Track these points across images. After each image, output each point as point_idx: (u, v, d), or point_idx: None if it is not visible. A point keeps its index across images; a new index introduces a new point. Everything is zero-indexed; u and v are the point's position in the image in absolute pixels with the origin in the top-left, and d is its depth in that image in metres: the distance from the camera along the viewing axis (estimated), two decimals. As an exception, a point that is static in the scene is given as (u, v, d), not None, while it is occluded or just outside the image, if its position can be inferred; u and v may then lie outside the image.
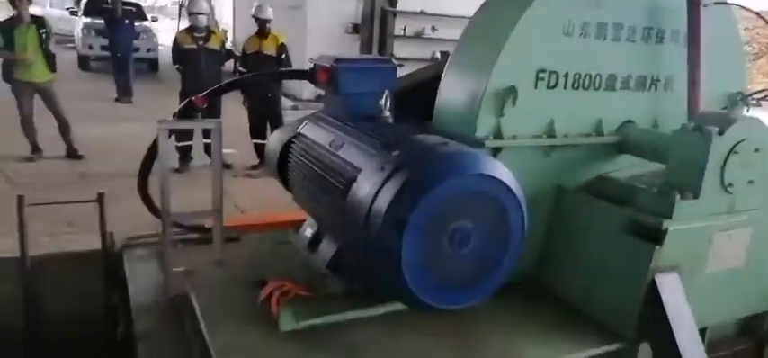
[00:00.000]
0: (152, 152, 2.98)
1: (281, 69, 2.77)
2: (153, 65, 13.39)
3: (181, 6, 19.90)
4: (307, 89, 10.46)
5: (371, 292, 2.32)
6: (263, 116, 5.88)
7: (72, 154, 5.86)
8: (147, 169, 3.08)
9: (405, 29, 11.78)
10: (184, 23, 16.25)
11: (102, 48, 12.34)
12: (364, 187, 2.00)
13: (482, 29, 2.49)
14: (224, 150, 2.96)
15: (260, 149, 5.85)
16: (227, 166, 5.86)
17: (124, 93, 9.72)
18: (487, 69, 2.27)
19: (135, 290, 2.98)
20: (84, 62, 12.82)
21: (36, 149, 5.71)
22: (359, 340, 2.23)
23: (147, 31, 13.05)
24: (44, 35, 5.84)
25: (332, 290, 2.40)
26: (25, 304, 3.34)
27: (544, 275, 2.65)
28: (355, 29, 11.27)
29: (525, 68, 2.34)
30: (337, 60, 2.57)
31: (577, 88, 2.48)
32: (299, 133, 2.82)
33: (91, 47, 12.47)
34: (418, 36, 12.00)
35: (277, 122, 5.89)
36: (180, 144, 5.62)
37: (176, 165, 5.48)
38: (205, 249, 3.31)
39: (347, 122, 2.54)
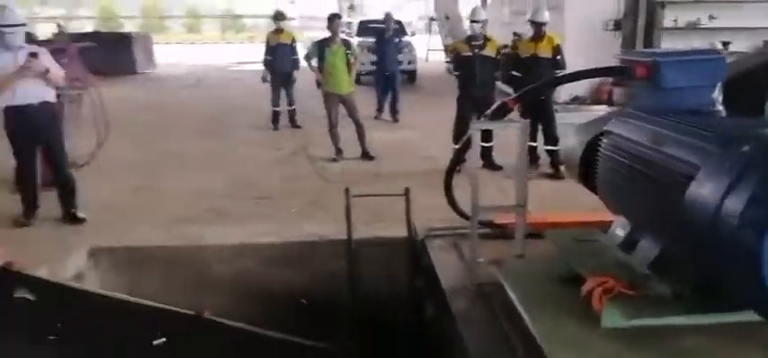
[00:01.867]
0: (460, 153, 3.29)
1: (586, 69, 2.75)
2: (411, 76, 14.61)
3: (431, 20, 21.56)
4: (564, 92, 10.28)
5: (708, 297, 2.19)
6: (536, 119, 5.96)
7: (366, 156, 6.72)
8: (454, 169, 3.41)
9: (676, 20, 10.67)
10: (434, 37, 17.09)
11: (372, 63, 14.00)
12: (708, 185, 1.90)
13: None
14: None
15: (531, 152, 5.94)
16: (499, 167, 6.10)
17: (392, 112, 9.65)
18: None
19: (443, 276, 3.31)
20: (356, 77, 14.65)
21: (339, 151, 6.71)
22: (691, 348, 2.12)
23: (408, 45, 14.25)
24: (349, 55, 6.84)
25: (658, 292, 2.33)
26: (350, 279, 3.97)
27: None
28: (616, 25, 10.64)
29: None
30: (660, 54, 2.49)
31: None
32: (608, 131, 2.81)
33: (362, 63, 14.12)
34: (693, 27, 10.74)
35: (550, 124, 5.91)
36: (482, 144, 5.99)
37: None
38: (500, 244, 3.54)
39: (670, 118, 2.44)
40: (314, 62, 7.03)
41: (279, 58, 8.42)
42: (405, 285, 4.01)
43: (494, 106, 2.98)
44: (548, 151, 6.14)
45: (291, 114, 8.66)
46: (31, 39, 5.66)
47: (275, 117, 8.59)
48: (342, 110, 6.82)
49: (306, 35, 18.64)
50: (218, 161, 6.65)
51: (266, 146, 7.53)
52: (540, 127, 6.05)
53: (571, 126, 3.44)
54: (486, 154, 6.08)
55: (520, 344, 2.44)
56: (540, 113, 5.85)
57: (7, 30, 4.26)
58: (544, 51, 6.06)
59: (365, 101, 11.27)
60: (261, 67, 8.98)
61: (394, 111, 9.60)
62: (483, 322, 2.81)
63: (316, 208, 4.98)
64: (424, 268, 3.79)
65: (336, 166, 6.29)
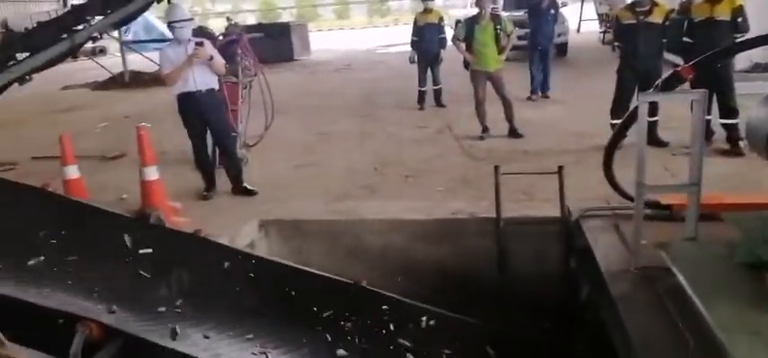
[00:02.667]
0: (624, 127, 3.08)
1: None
2: (562, 49, 13.86)
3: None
4: (743, 59, 9.07)
5: None
6: (711, 89, 5.34)
7: (513, 133, 6.56)
8: (616, 145, 3.21)
9: None
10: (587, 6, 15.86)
11: (519, 37, 13.52)
12: None
13: None
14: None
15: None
16: (665, 143, 5.60)
17: (542, 88, 9.00)
18: None
19: (601, 258, 3.15)
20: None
21: (485, 129, 6.64)
22: None
23: (561, 16, 13.50)
24: (499, 31, 6.69)
25: None
26: (499, 258, 3.94)
27: None
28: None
29: None
30: None
31: None
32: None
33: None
34: None
35: (727, 95, 5.27)
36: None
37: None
38: (666, 226, 3.27)
39: None
40: (462, 45, 6.97)
41: (426, 39, 8.50)
42: (557, 266, 3.88)
43: (665, 75, 2.73)
44: (724, 125, 5.49)
45: (437, 94, 8.73)
46: (205, 32, 6.30)
47: (421, 96, 8.72)
48: (490, 88, 6.72)
49: (450, 14, 18.57)
50: (369, 140, 6.94)
51: (413, 125, 7.70)
52: (714, 99, 5.43)
53: (753, 96, 3.06)
54: (649, 129, 5.59)
55: (691, 332, 2.25)
56: (716, 83, 5.22)
57: (177, 25, 4.75)
58: (722, 13, 5.41)
59: (514, 79, 11.05)
60: (406, 48, 9.15)
61: (544, 88, 9.04)
62: (646, 307, 2.64)
63: (463, 185, 5.01)
64: (579, 249, 3.63)
65: (483, 144, 6.24)
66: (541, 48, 9.06)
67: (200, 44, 4.76)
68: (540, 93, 9.00)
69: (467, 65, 6.96)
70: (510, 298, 4.00)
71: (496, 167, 3.89)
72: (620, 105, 5.56)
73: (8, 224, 2.84)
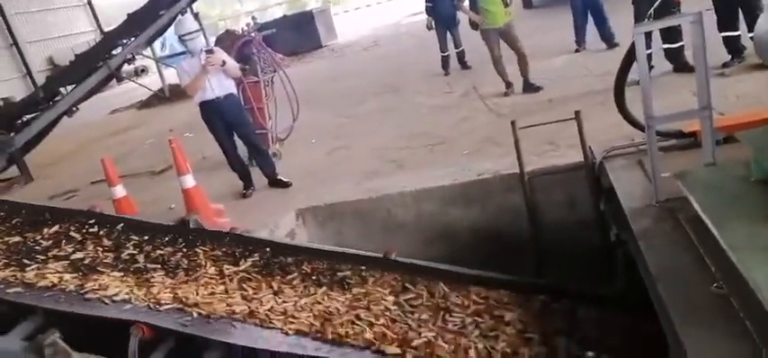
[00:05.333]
0: (627, 62, 3.04)
1: None
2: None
3: None
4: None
5: None
6: (734, 4, 5.11)
7: (529, 87, 6.43)
8: (623, 78, 3.17)
9: None
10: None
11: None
12: None
13: None
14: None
15: (732, 43, 5.15)
16: (692, 68, 5.41)
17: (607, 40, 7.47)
18: None
19: (623, 197, 3.15)
20: (527, 1, 13.88)
21: (508, 85, 6.57)
22: None
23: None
24: None
25: None
26: (528, 211, 3.99)
27: None
28: None
29: None
30: None
31: None
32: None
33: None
34: None
35: (754, 6, 5.03)
36: (668, 46, 5.44)
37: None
38: (691, 153, 3.24)
39: None
40: (465, 3, 6.87)
41: (440, 2, 8.42)
42: (587, 210, 3.90)
43: (656, 3, 2.69)
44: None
45: (460, 56, 8.67)
46: (232, 35, 6.49)
47: (445, 61, 8.69)
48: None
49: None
50: (396, 114, 7.02)
51: (438, 91, 7.71)
52: (741, 13, 5.17)
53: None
54: (674, 55, 5.44)
55: (713, 259, 2.27)
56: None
57: (187, 37, 4.90)
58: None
59: (544, 24, 10.77)
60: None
61: (609, 35, 7.40)
62: (669, 240, 2.65)
63: (490, 144, 5.03)
64: (606, 190, 3.64)
65: (507, 101, 6.20)
66: None
67: (210, 51, 4.88)
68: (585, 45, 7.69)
69: (474, 26, 6.86)
70: (543, 248, 4.06)
71: (513, 122, 3.92)
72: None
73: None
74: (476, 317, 2.78)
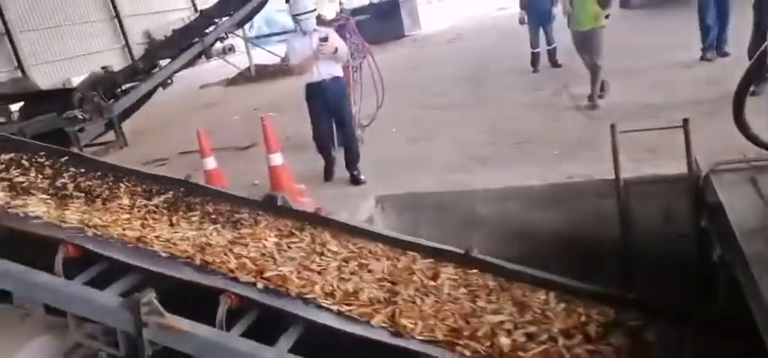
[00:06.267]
0: (756, 67, 2.80)
1: None
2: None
3: None
4: None
5: None
6: None
7: (591, 100, 5.99)
8: (746, 88, 2.92)
9: None
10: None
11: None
12: None
13: None
14: None
15: None
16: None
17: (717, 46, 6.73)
18: None
19: (733, 215, 2.92)
20: (625, 0, 13.15)
21: (602, 87, 6.17)
22: None
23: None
24: None
25: None
26: (621, 219, 3.78)
27: None
28: None
29: None
30: None
31: None
32: None
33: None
34: None
35: None
36: None
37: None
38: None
39: None
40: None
41: (538, -4, 8.15)
42: (685, 226, 3.64)
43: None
44: None
45: (551, 54, 8.37)
46: (322, 21, 6.59)
47: (534, 58, 8.43)
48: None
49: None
50: (481, 108, 6.88)
51: (526, 89, 7.49)
52: None
53: None
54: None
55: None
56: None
57: (301, 17, 4.90)
58: None
59: (638, 25, 10.19)
60: (517, 10, 8.86)
61: (719, 42, 6.67)
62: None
63: (580, 147, 4.82)
64: (711, 206, 3.38)
65: (602, 102, 5.90)
66: None
67: (324, 39, 4.83)
68: (715, 52, 6.70)
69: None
70: (635, 261, 3.84)
71: (612, 126, 3.72)
72: (757, 43, 4.92)
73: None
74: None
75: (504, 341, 2.35)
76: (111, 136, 8.28)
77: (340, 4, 7.43)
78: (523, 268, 3.04)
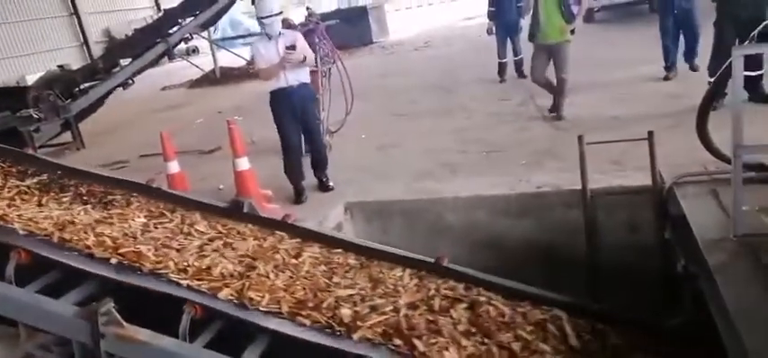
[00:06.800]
0: (718, 85, 2.88)
1: None
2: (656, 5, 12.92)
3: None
4: None
5: None
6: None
7: (554, 111, 6.04)
8: (709, 105, 3.01)
9: None
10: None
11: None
12: None
13: None
14: None
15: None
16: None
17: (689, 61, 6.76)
18: None
19: (696, 227, 2.98)
20: (588, 15, 13.44)
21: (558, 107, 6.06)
22: None
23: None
24: None
25: None
26: (586, 229, 3.83)
27: None
28: None
29: None
30: None
31: None
32: None
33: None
34: None
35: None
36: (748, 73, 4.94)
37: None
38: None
39: None
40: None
41: (504, 8, 8.24)
42: (650, 237, 3.72)
43: (762, 24, 2.52)
44: None
45: (518, 64, 8.47)
46: (289, 24, 6.47)
47: (502, 68, 8.52)
48: None
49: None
50: (449, 117, 6.90)
51: (494, 98, 7.55)
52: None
53: None
54: (752, 85, 5.14)
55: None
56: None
57: (266, 20, 4.66)
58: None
59: (601, 39, 10.46)
60: (484, 20, 8.95)
61: (691, 57, 6.69)
62: (748, 278, 2.49)
63: (548, 158, 4.87)
64: (674, 218, 3.47)
65: (567, 113, 5.99)
66: (679, 8, 6.54)
67: (291, 48, 4.69)
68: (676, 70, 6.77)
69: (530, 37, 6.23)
70: (600, 271, 3.89)
71: (580, 137, 3.78)
72: (718, 60, 5.07)
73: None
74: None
75: (345, 312, 2.45)
76: (67, 137, 7.98)
77: (307, 8, 7.33)
78: (495, 278, 3.03)
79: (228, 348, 2.30)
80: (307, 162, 5.12)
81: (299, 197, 4.90)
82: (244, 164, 4.52)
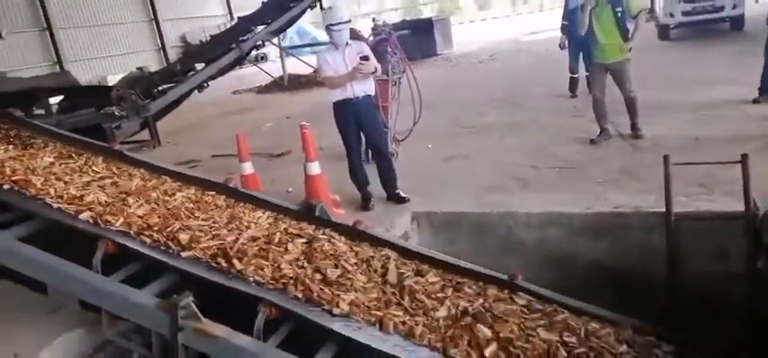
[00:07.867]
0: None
1: None
2: (737, 23, 12.26)
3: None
4: None
5: None
6: None
7: (635, 131, 5.76)
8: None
9: None
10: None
11: (684, 13, 12.22)
12: None
13: None
14: None
15: None
16: None
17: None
18: None
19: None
20: (663, 32, 12.94)
21: (603, 131, 5.84)
22: None
23: (739, -17, 11.91)
24: (619, 13, 5.56)
25: None
26: (668, 255, 3.62)
27: None
28: None
29: None
30: None
31: None
32: None
33: (671, 14, 12.48)
34: None
35: None
36: None
37: None
38: None
39: None
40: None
41: (577, 22, 8.00)
42: (739, 267, 3.47)
43: None
44: None
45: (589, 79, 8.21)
46: (356, 35, 6.51)
47: (573, 83, 8.27)
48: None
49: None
50: (518, 130, 6.75)
51: (565, 113, 7.34)
52: None
53: None
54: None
55: None
56: None
57: (334, 27, 4.63)
58: None
59: (676, 58, 10.02)
60: (553, 34, 8.73)
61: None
62: None
63: (625, 177, 4.66)
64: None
65: (646, 134, 5.71)
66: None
67: (365, 58, 4.66)
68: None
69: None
70: (680, 299, 3.66)
71: (666, 156, 3.59)
72: None
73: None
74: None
75: (183, 236, 2.83)
76: (145, 135, 8.35)
77: (373, 19, 7.35)
78: (570, 300, 2.90)
79: (296, 348, 2.30)
80: (371, 169, 5.11)
81: (365, 203, 4.89)
82: (315, 168, 4.56)
